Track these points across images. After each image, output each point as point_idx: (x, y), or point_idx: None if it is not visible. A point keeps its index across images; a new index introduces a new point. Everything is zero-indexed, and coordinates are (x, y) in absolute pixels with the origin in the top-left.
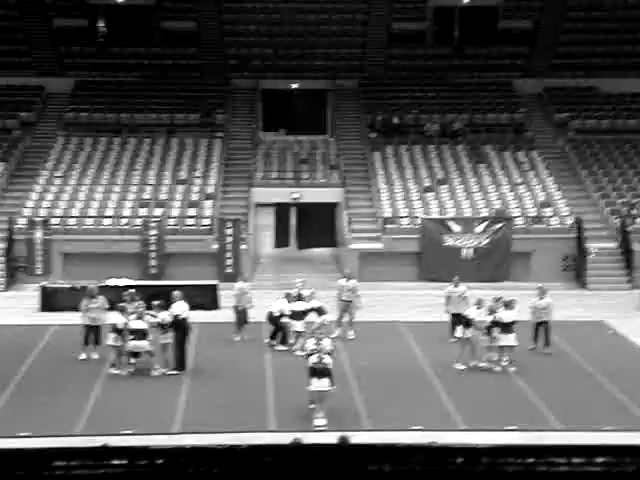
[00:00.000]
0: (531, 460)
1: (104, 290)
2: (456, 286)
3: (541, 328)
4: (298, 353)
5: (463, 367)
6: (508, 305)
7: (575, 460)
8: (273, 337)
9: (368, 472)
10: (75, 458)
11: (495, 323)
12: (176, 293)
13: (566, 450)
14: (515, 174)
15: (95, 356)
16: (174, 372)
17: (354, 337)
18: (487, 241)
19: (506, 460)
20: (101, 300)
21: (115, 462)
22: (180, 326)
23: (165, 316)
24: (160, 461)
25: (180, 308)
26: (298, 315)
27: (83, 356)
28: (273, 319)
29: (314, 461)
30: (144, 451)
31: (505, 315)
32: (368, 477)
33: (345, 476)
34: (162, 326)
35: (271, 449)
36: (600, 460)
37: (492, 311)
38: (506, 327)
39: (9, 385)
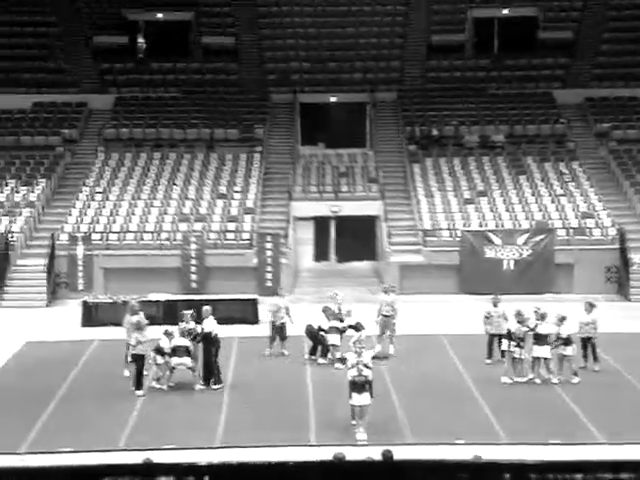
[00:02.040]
0: (579, 476)
1: (145, 305)
2: (495, 305)
3: (588, 344)
4: (338, 366)
5: (510, 381)
6: (543, 317)
7: (623, 476)
8: (313, 352)
9: None
10: (123, 474)
11: (535, 335)
12: (206, 309)
13: (613, 465)
14: (556, 185)
15: (127, 373)
16: (217, 386)
17: (394, 353)
18: (529, 253)
19: (555, 476)
20: (148, 333)
21: (162, 479)
22: (211, 342)
23: (195, 328)
24: (206, 478)
25: (210, 325)
26: (335, 330)
27: (127, 373)
28: (311, 333)
29: (360, 477)
30: (191, 468)
31: (541, 327)
32: None
33: None
34: (194, 339)
35: (317, 466)
36: None
37: (522, 322)
38: (541, 339)
39: (53, 400)
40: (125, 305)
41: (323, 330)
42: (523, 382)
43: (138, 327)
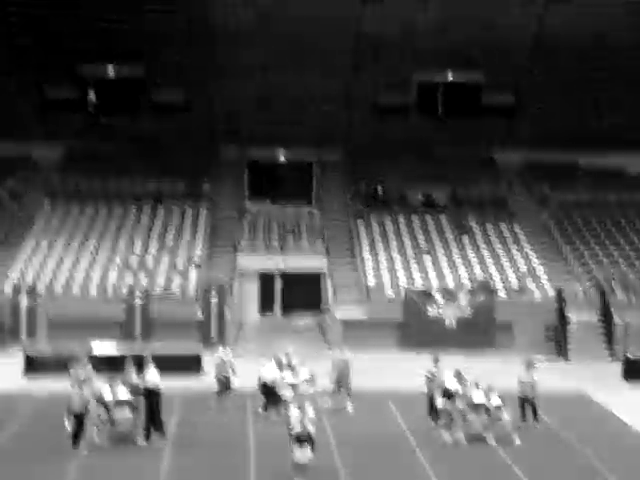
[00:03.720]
0: None
1: (90, 357)
2: (436, 364)
3: (527, 403)
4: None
5: (449, 438)
6: (477, 386)
7: None
8: (266, 408)
9: None
10: None
11: (469, 403)
12: (147, 361)
13: None
14: (497, 246)
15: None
16: (160, 439)
17: (351, 410)
18: (470, 311)
19: None
20: (88, 368)
21: None
22: (153, 395)
23: (137, 381)
24: None
25: (152, 377)
26: (288, 385)
27: (69, 427)
28: (266, 389)
29: None
30: None
31: (474, 395)
32: None
33: None
34: (134, 392)
35: None
36: None
37: (460, 383)
38: (476, 408)
39: None
40: (68, 356)
41: (278, 385)
42: (462, 440)
43: (77, 360)
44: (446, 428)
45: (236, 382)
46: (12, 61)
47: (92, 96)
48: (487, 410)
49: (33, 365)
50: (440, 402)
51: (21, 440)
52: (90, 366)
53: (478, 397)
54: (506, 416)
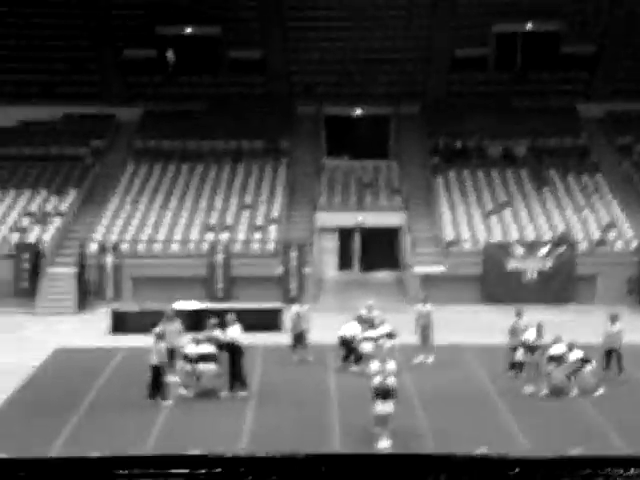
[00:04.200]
0: (588, 471)
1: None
2: (519, 318)
3: (613, 355)
4: (358, 370)
5: (530, 390)
6: (556, 341)
7: (634, 471)
8: (346, 359)
9: None
10: (136, 467)
11: (550, 357)
12: (231, 316)
13: (624, 461)
14: (579, 198)
15: (172, 379)
16: (243, 393)
17: (432, 363)
18: (551, 264)
19: (562, 472)
20: (177, 324)
21: (175, 471)
22: (236, 350)
23: (220, 336)
24: (219, 470)
25: (235, 332)
26: (369, 339)
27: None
28: (345, 342)
29: (372, 469)
30: (203, 460)
31: (553, 349)
32: None
33: None
34: (219, 346)
35: (328, 458)
36: None
37: (540, 336)
38: (555, 359)
39: (81, 406)
40: (154, 313)
41: (356, 339)
42: (544, 392)
43: (167, 316)
44: (528, 380)
45: (311, 336)
46: (93, 24)
47: (171, 55)
48: (567, 362)
49: (120, 322)
50: (520, 355)
51: (109, 393)
52: (179, 321)
53: (557, 349)
54: (589, 367)
